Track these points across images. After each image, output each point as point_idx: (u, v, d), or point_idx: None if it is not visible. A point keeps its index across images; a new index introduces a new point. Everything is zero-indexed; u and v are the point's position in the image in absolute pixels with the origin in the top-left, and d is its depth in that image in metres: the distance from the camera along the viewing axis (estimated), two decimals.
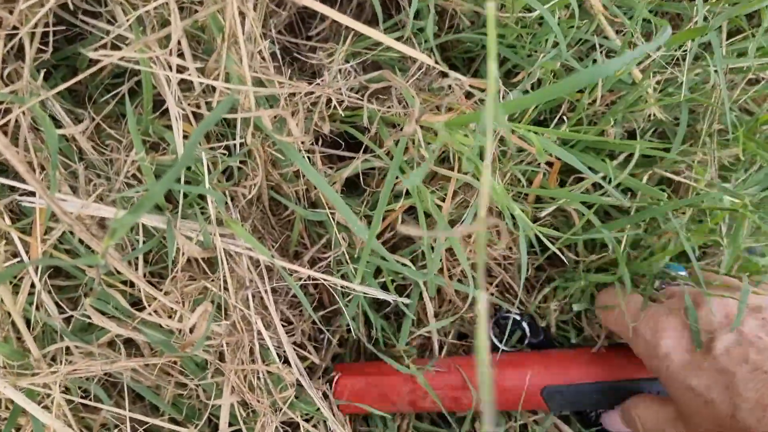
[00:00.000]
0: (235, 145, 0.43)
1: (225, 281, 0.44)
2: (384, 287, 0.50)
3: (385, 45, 0.38)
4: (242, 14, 0.40)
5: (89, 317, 0.42)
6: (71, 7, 0.40)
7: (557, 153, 0.43)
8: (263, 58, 0.40)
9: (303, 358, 0.51)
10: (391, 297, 0.49)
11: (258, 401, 0.44)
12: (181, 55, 0.41)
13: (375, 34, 0.34)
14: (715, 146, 0.58)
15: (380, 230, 0.51)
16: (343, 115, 0.44)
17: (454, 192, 0.46)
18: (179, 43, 0.39)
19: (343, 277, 0.48)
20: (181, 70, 0.40)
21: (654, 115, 0.53)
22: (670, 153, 0.55)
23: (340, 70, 0.42)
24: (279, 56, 0.43)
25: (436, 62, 0.41)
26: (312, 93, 0.41)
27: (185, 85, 0.43)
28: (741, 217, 0.51)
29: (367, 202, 0.54)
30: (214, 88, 0.41)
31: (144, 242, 0.43)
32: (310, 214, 0.47)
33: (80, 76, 0.37)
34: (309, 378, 0.48)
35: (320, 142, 0.47)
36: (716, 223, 0.57)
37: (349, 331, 0.54)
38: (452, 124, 0.37)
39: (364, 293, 0.48)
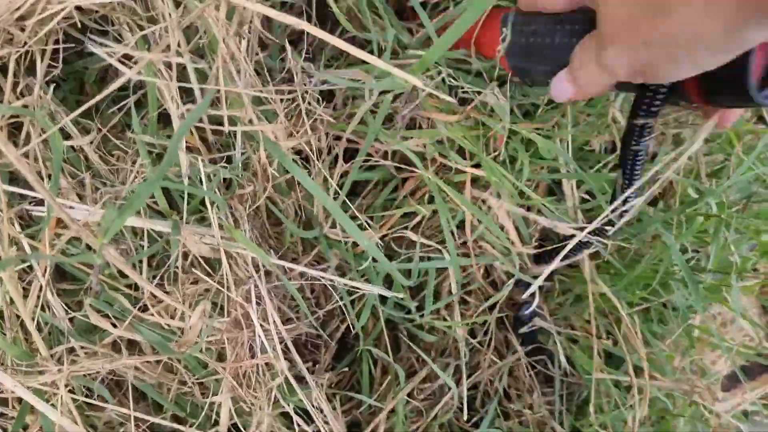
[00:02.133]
0: (233, 156, 0.46)
1: (226, 279, 0.46)
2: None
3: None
4: (238, 35, 0.42)
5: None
6: (79, 25, 0.42)
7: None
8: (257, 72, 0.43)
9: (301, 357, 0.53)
10: (389, 293, 0.51)
11: (255, 396, 0.46)
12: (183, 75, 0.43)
13: (358, 53, 0.37)
14: (701, 154, 0.61)
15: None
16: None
17: None
18: (178, 54, 0.41)
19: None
20: (182, 80, 0.43)
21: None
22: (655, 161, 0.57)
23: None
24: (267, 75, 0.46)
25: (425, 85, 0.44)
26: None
27: (189, 98, 0.45)
28: (721, 222, 0.53)
29: (365, 206, 0.57)
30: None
31: (148, 247, 0.45)
32: (302, 233, 0.49)
33: (94, 100, 0.39)
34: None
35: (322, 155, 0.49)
36: (704, 230, 0.59)
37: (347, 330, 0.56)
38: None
39: (353, 287, 0.50)
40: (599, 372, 0.60)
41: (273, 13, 0.39)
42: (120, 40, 0.45)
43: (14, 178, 0.45)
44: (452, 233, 0.52)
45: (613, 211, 0.44)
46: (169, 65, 0.43)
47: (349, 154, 0.51)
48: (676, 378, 0.63)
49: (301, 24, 0.38)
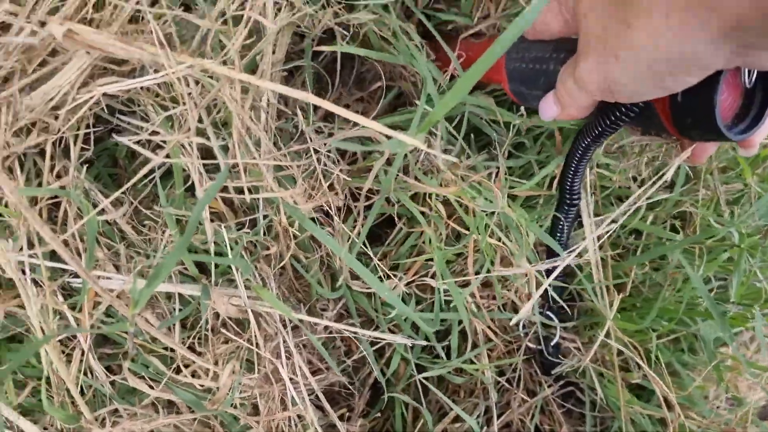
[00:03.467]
0: (257, 219, 0.48)
1: (255, 338, 0.48)
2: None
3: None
4: (254, 108, 0.45)
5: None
6: (106, 111, 0.46)
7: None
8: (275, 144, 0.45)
9: (335, 405, 0.54)
10: (414, 341, 0.52)
11: None
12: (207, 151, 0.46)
13: (374, 125, 0.39)
14: (718, 182, 0.61)
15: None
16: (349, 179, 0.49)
17: None
18: (199, 133, 0.43)
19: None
20: (206, 155, 0.45)
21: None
22: (673, 194, 0.58)
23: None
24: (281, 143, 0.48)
25: (429, 146, 0.45)
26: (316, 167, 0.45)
27: (212, 166, 0.48)
28: (743, 252, 0.53)
29: (386, 255, 0.58)
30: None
31: (180, 310, 0.48)
32: (327, 292, 0.51)
33: (127, 185, 0.42)
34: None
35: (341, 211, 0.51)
36: (728, 258, 0.59)
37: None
38: None
39: (377, 338, 0.51)
40: (630, 406, 0.60)
41: (281, 89, 0.41)
42: (146, 118, 0.48)
43: (56, 253, 0.48)
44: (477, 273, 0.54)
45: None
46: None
47: (372, 202, 0.53)
48: (709, 411, 0.62)
49: (309, 98, 0.41)
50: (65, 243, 0.45)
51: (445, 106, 0.36)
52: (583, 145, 0.43)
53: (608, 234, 0.55)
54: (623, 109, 0.38)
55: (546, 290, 0.57)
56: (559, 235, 0.52)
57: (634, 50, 0.30)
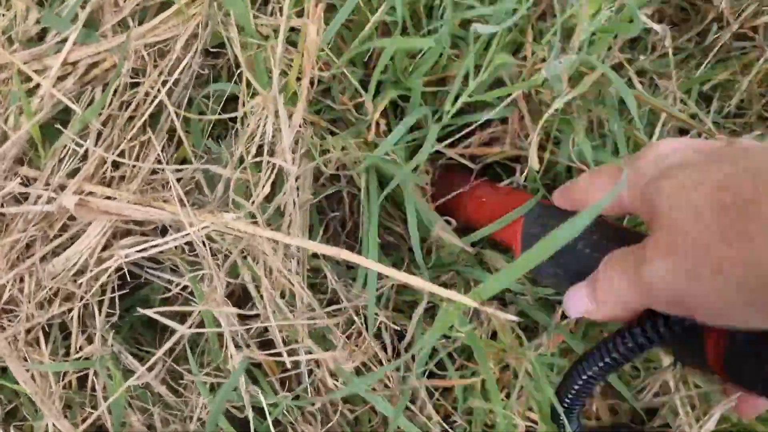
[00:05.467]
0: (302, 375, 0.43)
1: None
2: None
3: None
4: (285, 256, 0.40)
5: None
6: (128, 273, 0.42)
7: None
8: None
9: None
10: None
11: None
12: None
13: (432, 287, 0.33)
14: None
15: None
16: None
17: None
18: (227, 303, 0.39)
19: None
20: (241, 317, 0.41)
21: None
22: None
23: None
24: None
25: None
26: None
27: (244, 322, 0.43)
28: None
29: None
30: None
31: None
32: None
33: (154, 358, 0.38)
34: None
35: None
36: None
37: None
38: None
39: None
40: None
41: (312, 246, 0.37)
42: (175, 269, 0.44)
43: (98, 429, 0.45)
44: None
45: None
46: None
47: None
48: None
49: (341, 253, 0.36)
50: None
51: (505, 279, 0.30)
52: (605, 361, 0.31)
53: None
54: (671, 322, 0.29)
55: None
56: None
57: (750, 268, 0.23)
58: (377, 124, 0.43)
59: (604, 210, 0.32)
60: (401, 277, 0.34)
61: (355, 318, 0.41)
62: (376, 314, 0.42)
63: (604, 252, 0.31)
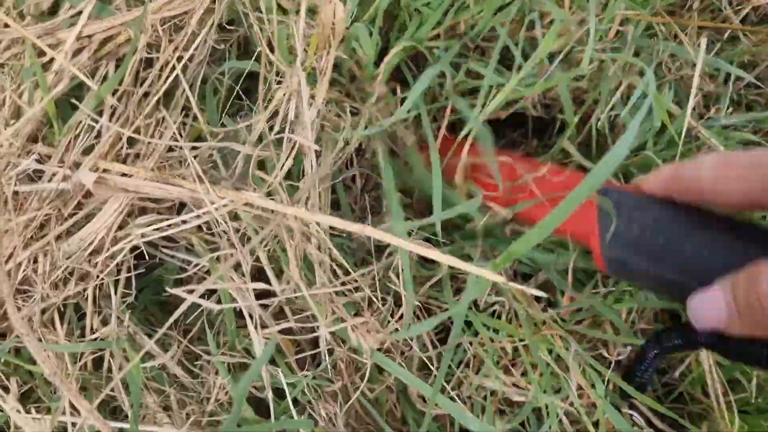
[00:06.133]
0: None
1: None
2: None
3: None
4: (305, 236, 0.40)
5: None
6: (146, 251, 0.42)
7: None
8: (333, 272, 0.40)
9: None
10: None
11: None
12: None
13: (459, 263, 0.33)
14: None
15: None
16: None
17: None
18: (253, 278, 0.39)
19: None
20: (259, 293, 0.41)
21: None
22: None
23: None
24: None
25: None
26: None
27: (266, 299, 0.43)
28: None
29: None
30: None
31: None
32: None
33: (165, 326, 0.37)
34: None
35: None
36: None
37: None
38: None
39: None
40: None
41: (333, 221, 0.36)
42: (191, 248, 0.44)
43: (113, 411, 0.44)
44: None
45: None
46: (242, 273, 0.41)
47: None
48: None
49: (366, 230, 0.35)
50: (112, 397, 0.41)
51: (527, 242, 0.30)
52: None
53: None
54: None
55: None
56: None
57: None
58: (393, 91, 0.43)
59: (727, 203, 0.30)
60: (428, 253, 0.34)
61: (377, 302, 0.41)
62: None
63: (730, 250, 0.29)
